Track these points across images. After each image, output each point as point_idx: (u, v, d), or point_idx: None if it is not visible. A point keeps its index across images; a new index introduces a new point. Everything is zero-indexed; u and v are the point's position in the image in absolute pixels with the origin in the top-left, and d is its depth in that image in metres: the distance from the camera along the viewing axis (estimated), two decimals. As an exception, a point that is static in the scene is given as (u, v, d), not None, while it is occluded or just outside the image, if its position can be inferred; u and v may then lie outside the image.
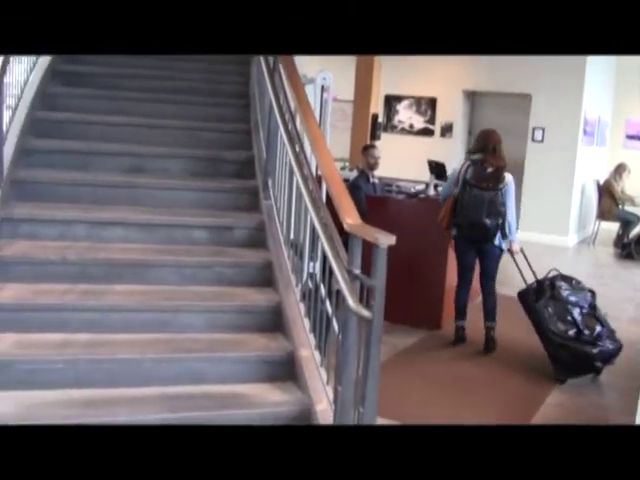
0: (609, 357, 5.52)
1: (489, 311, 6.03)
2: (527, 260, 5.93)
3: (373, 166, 7.04)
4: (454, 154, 11.15)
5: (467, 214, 5.80)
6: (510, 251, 5.97)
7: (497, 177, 5.78)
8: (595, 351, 5.38)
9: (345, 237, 3.33)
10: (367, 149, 7.21)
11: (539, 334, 5.65)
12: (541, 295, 5.63)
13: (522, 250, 5.99)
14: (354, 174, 7.42)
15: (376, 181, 7.12)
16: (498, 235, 5.84)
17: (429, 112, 12.06)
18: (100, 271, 4.09)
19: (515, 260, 5.98)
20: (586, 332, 5.44)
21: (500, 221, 5.77)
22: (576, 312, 5.51)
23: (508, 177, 5.84)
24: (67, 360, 3.56)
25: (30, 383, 3.44)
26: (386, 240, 2.94)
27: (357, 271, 3.13)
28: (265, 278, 4.27)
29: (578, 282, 5.80)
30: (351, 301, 2.95)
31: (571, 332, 5.45)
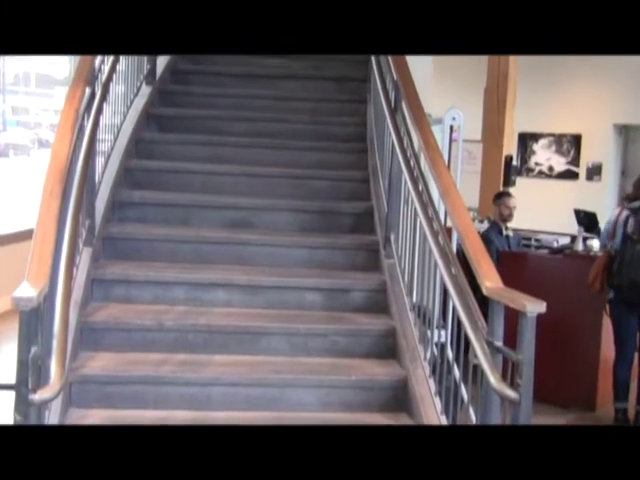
0: None
1: None
2: None
3: (507, 217, 6.94)
4: (604, 201, 10.86)
5: (629, 273, 5.67)
6: None
7: None
8: None
9: (479, 299, 3.29)
10: (500, 197, 7.12)
11: None
12: None
13: None
14: (484, 226, 7.32)
15: (510, 234, 7.02)
16: None
17: (572, 151, 11.85)
18: (200, 339, 4.15)
19: None
20: None
21: None
22: None
23: None
24: (163, 442, 3.60)
25: (122, 467, 3.49)
26: (535, 307, 2.91)
27: (499, 343, 3.08)
28: (387, 348, 4.25)
29: None
30: (493, 379, 2.92)
31: None
